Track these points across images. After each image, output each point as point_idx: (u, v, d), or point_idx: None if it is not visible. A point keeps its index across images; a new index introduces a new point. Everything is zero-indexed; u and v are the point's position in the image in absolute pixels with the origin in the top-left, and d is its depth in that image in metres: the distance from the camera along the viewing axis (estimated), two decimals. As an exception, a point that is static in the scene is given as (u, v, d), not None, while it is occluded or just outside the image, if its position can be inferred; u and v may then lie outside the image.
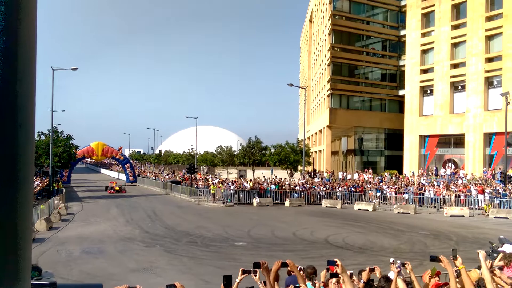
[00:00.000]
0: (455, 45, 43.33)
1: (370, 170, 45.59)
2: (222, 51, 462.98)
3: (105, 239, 18.93)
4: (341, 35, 56.70)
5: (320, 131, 60.88)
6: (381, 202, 34.13)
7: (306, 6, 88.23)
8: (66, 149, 44.90)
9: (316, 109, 67.98)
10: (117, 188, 42.57)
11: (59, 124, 48.71)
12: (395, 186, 35.74)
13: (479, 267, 6.24)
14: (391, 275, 5.82)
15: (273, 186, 36.21)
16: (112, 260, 15.08)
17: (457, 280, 5.45)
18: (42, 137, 44.56)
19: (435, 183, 36.06)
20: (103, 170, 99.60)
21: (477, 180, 35.04)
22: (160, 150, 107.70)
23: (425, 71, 46.27)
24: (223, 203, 33.83)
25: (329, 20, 56.12)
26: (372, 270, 5.81)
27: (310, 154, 56.36)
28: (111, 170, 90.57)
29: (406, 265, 5.70)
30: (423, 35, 46.34)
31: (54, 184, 38.17)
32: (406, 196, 33.61)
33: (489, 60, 39.97)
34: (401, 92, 54.99)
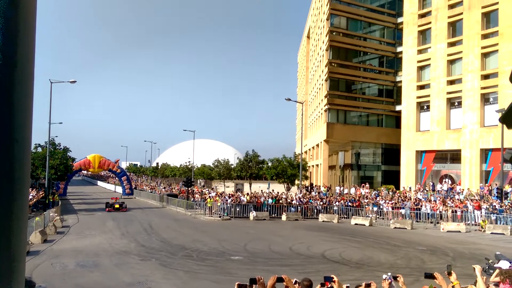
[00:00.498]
0: (451, 62, 43.77)
1: (367, 185, 45.57)
2: (220, 65, 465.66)
3: (100, 252, 18.78)
4: (339, 51, 57.24)
5: (317, 145, 61.00)
6: (378, 217, 34.06)
7: (304, 22, 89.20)
8: (63, 161, 44.79)
9: (313, 124, 68.21)
10: (117, 206, 37.86)
11: (56, 136, 48.83)
12: (392, 201, 35.71)
13: (476, 283, 6.24)
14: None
15: (270, 200, 36.12)
16: (108, 273, 14.96)
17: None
18: (39, 149, 44.50)
19: (432, 198, 36.07)
20: (99, 183, 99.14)
21: (474, 196, 35.07)
22: (157, 163, 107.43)
23: (421, 87, 46.63)
24: (220, 216, 33.68)
25: (326, 36, 56.70)
26: (368, 285, 5.80)
27: (307, 168, 56.34)
28: (108, 182, 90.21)
29: (398, 279, 5.70)
30: (420, 52, 46.82)
31: (50, 197, 37.96)
32: (402, 211, 33.58)
33: (485, 77, 40.35)
34: (398, 108, 55.32)
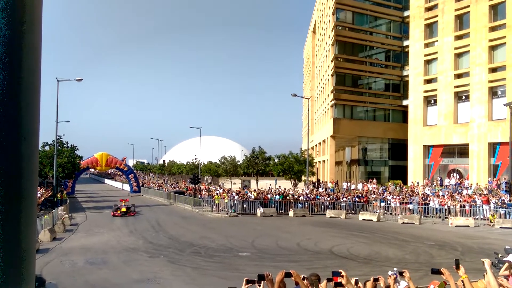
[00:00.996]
0: (458, 55, 43.39)
1: (375, 180, 45.43)
2: (226, 61, 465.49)
3: (108, 249, 18.90)
4: (345, 46, 56.95)
5: (324, 141, 60.85)
6: (386, 213, 33.95)
7: (309, 17, 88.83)
8: (70, 159, 45.06)
9: (319, 119, 68.03)
10: (123, 210, 32.95)
11: (63, 135, 49.09)
12: (400, 196, 35.58)
13: (485, 277, 6.19)
14: (402, 284, 5.80)
15: (277, 197, 36.13)
16: (116, 270, 15.05)
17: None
18: (47, 148, 44.78)
19: (440, 193, 35.88)
20: (107, 181, 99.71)
21: (482, 191, 34.83)
22: (164, 161, 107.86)
23: (428, 81, 46.30)
24: (227, 213, 33.75)
25: (332, 31, 56.43)
26: (376, 280, 5.79)
27: (314, 164, 56.24)
28: (115, 180, 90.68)
29: (404, 274, 5.68)
30: (427, 45, 46.45)
31: (58, 195, 38.24)
32: (410, 206, 33.44)
33: (493, 70, 39.97)
34: (404, 102, 55.01)
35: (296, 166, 48.45)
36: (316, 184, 47.11)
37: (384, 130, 56.79)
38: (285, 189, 40.64)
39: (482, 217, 30.48)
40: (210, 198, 38.98)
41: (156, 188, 60.87)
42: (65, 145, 46.70)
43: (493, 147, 39.71)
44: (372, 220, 30.99)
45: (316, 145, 68.99)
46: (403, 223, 29.76)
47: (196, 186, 44.10)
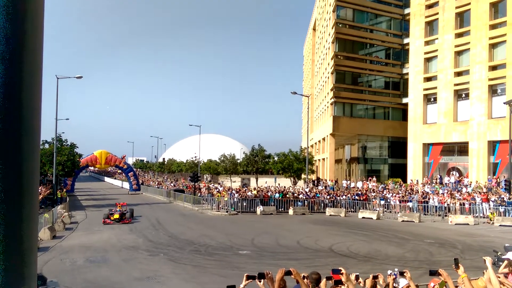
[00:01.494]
0: (458, 53, 43.36)
1: (374, 179, 45.44)
2: (225, 58, 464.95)
3: (108, 247, 18.91)
4: (345, 43, 56.89)
5: (324, 139, 60.83)
6: (385, 211, 33.97)
7: (309, 14, 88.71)
8: (70, 157, 45.04)
9: (319, 117, 68.00)
10: (116, 216, 27.50)
11: (63, 133, 49.00)
12: (399, 194, 35.59)
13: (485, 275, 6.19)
14: (402, 282, 5.81)
15: (277, 195, 36.13)
16: (116, 269, 15.06)
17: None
18: (46, 146, 44.75)
19: (440, 191, 35.90)
20: (106, 179, 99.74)
21: (482, 189, 34.84)
22: (164, 158, 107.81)
23: (428, 79, 46.27)
24: (227, 211, 33.76)
25: (332, 28, 56.35)
26: (375, 277, 5.79)
27: (314, 162, 56.22)
28: (115, 178, 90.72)
29: (405, 274, 5.67)
30: (427, 43, 46.41)
31: (58, 193, 38.23)
32: (410, 204, 33.46)
33: (493, 68, 39.94)
34: (404, 100, 54.98)
35: (295, 164, 48.41)
36: (315, 182, 47.12)
37: (383, 128, 56.78)
38: (284, 187, 40.64)
39: (481, 215, 30.50)
40: (209, 196, 39.01)
41: (156, 186, 60.88)
42: (64, 143, 46.67)
43: (493, 145, 39.71)
44: (371, 218, 31.01)
45: (315, 143, 68.98)
46: (403, 221, 29.78)
47: (195, 184, 44.10)
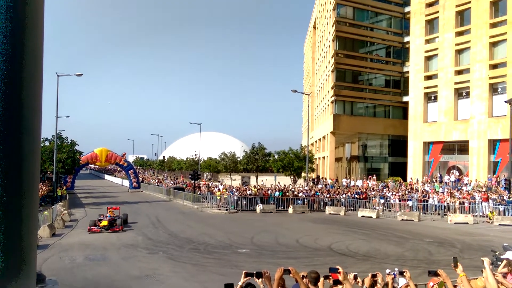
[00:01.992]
0: (459, 52, 43.30)
1: (374, 177, 45.44)
2: (225, 56, 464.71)
3: (108, 245, 18.91)
4: (345, 42, 56.84)
5: (324, 137, 60.82)
6: (385, 209, 33.97)
7: (310, 12, 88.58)
8: (70, 155, 45.07)
9: (319, 116, 67.98)
10: (105, 223, 23.14)
11: (63, 130, 49.02)
12: (399, 193, 35.59)
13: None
14: (401, 281, 5.80)
15: (277, 193, 36.14)
16: (115, 267, 15.07)
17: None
18: (46, 143, 44.79)
19: (440, 189, 35.88)
20: (106, 176, 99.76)
21: (482, 188, 34.84)
22: (164, 156, 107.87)
23: (429, 78, 46.22)
24: (226, 209, 33.77)
25: (333, 26, 56.28)
26: (374, 276, 5.79)
27: (314, 160, 56.24)
28: (115, 176, 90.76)
29: (404, 273, 5.67)
30: (427, 41, 46.34)
31: (57, 190, 38.25)
32: (410, 203, 33.46)
33: (494, 66, 39.89)
34: (405, 99, 54.95)
35: (296, 162, 48.43)
36: (315, 180, 47.12)
37: (384, 126, 56.77)
38: (284, 185, 40.66)
39: (481, 214, 30.49)
40: (209, 194, 39.02)
41: (156, 184, 60.91)
42: (65, 141, 46.69)
43: (493, 144, 39.69)
44: (371, 217, 31.01)
45: (316, 142, 68.98)
46: (402, 220, 29.78)
47: (195, 182, 44.12)
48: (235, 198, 34.93)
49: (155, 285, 12.86)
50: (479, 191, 33.22)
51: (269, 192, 36.63)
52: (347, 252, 17.80)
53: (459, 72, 43.05)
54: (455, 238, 21.83)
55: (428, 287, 6.06)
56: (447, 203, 32.05)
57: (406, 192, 35.99)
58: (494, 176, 37.60)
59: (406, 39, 55.84)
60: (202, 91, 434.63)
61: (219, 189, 38.95)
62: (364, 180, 44.83)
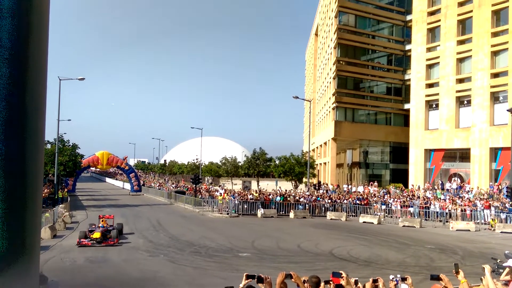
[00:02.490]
0: (460, 60, 43.43)
1: (376, 183, 45.43)
2: (227, 62, 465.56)
3: (108, 247, 18.92)
4: (347, 49, 57.02)
5: (325, 143, 60.88)
6: (386, 215, 33.94)
7: (312, 19, 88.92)
8: (72, 158, 45.18)
9: (321, 122, 68.07)
10: (97, 235, 19.58)
11: (65, 133, 49.09)
12: (401, 200, 35.58)
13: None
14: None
15: (278, 198, 36.15)
16: (116, 269, 15.08)
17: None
18: (48, 146, 44.90)
19: (441, 196, 35.88)
20: (108, 179, 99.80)
21: (483, 195, 34.83)
22: (165, 160, 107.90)
23: (430, 86, 46.33)
24: (228, 213, 33.77)
25: (334, 33, 56.49)
26: (375, 281, 5.80)
27: (315, 166, 56.29)
28: (116, 179, 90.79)
29: (406, 281, 5.68)
30: (429, 49, 46.49)
31: (59, 193, 38.30)
32: (411, 209, 33.43)
33: (495, 75, 40.00)
34: (406, 106, 55.05)
35: (297, 167, 48.46)
36: (317, 186, 47.13)
37: (385, 133, 56.83)
38: (286, 190, 40.63)
39: (482, 221, 30.47)
40: (210, 198, 39.03)
41: (157, 187, 60.92)
42: (66, 144, 46.80)
43: (495, 152, 39.72)
44: (372, 223, 30.98)
45: (317, 147, 69.02)
46: (404, 226, 29.75)
47: (196, 186, 44.14)
48: (236, 202, 34.95)
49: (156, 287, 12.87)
50: (480, 198, 33.20)
51: (270, 196, 36.65)
52: (348, 258, 17.79)
53: (460, 81, 43.15)
54: (456, 245, 21.81)
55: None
56: (449, 210, 32.03)
57: (408, 198, 35.97)
58: (496, 184, 37.60)
59: (407, 47, 56.02)
60: (204, 96, 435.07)
61: (220, 194, 38.97)
62: (366, 186, 44.81)
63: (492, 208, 30.61)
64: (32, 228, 1.40)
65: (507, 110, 34.91)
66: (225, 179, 72.89)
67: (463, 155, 43.42)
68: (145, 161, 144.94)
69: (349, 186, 46.49)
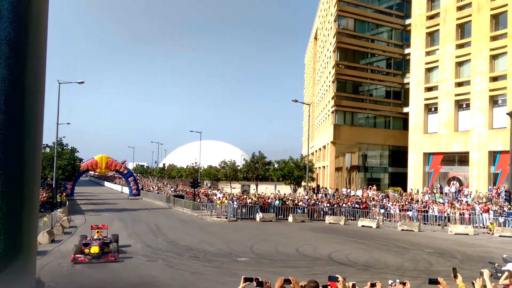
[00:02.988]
0: (459, 64, 43.51)
1: (374, 187, 45.41)
2: (226, 65, 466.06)
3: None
4: (346, 53, 57.16)
5: (324, 147, 60.90)
6: (385, 219, 33.90)
7: (311, 23, 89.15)
8: (70, 161, 45.10)
9: (320, 125, 68.12)
10: (95, 250, 16.92)
11: (64, 137, 49.06)
12: (399, 203, 35.56)
13: (484, 287, 6.17)
14: None
15: (276, 202, 36.10)
16: (114, 273, 15.01)
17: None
18: (47, 150, 44.82)
19: (440, 200, 35.86)
20: (106, 183, 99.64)
21: (482, 199, 34.81)
22: (164, 164, 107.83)
23: (429, 89, 46.40)
24: (226, 217, 33.71)
25: (334, 37, 56.63)
26: (373, 285, 5.78)
27: (314, 170, 56.24)
28: (115, 183, 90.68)
29: (405, 285, 5.65)
30: (428, 53, 46.59)
31: (57, 197, 38.21)
32: (410, 213, 33.41)
33: (494, 79, 40.07)
34: (405, 110, 55.11)
35: (296, 171, 48.43)
36: (315, 190, 47.09)
37: (384, 137, 56.88)
38: (284, 194, 40.60)
39: (481, 225, 30.45)
40: (209, 202, 38.97)
41: (156, 191, 60.84)
42: (65, 147, 46.73)
43: (493, 156, 39.73)
44: (371, 227, 30.94)
45: (316, 151, 69.03)
46: (402, 230, 29.72)
47: (195, 190, 44.06)
48: (235, 206, 34.91)
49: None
50: (479, 202, 33.19)
51: (269, 200, 36.60)
52: (347, 262, 17.75)
53: (459, 84, 43.22)
54: (455, 249, 21.78)
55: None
56: (448, 214, 32.01)
57: (406, 202, 35.95)
58: (495, 187, 37.60)
59: (406, 51, 56.18)
60: (203, 100, 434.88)
61: (219, 198, 38.92)
62: (364, 189, 44.79)
63: (491, 212, 30.60)
64: (29, 229, 1.39)
65: (507, 114, 34.99)
66: (224, 183, 72.82)
67: (462, 159, 43.43)
68: (144, 165, 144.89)
69: (348, 190, 46.45)
